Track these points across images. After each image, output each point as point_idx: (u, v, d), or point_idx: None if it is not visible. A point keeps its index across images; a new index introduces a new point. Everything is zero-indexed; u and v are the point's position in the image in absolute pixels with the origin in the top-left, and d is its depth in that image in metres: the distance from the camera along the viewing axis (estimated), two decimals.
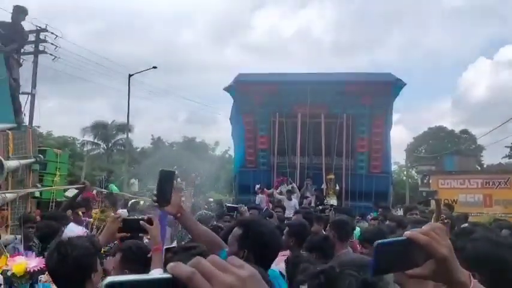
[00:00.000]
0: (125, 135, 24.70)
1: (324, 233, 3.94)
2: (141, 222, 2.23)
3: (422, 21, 70.03)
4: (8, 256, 3.11)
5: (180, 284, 0.53)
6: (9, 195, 5.43)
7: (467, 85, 63.76)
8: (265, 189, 12.26)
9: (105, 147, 28.88)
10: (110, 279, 0.54)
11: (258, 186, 12.22)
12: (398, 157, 35.90)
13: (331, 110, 13.24)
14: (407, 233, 0.88)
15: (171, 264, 0.55)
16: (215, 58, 64.69)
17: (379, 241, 0.86)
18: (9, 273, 2.86)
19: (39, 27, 12.72)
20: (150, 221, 2.24)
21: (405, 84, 13.23)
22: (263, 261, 1.83)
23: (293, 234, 3.36)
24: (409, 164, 36.13)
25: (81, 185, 4.71)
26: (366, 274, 1.11)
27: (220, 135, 50.68)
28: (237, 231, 1.94)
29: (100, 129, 27.57)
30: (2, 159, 5.31)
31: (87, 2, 55.49)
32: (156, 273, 2.01)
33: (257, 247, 1.83)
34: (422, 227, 0.89)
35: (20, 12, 6.39)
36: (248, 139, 14.08)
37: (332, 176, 12.53)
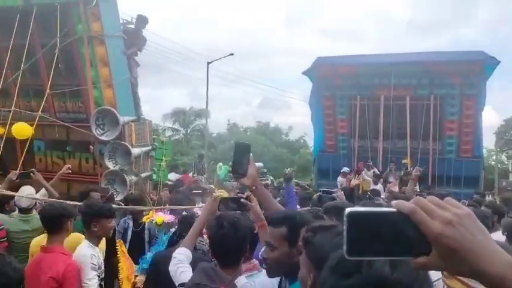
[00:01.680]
0: (202, 121, 26.44)
1: None
2: (242, 200, 2.34)
3: None
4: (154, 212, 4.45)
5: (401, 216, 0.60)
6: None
7: None
8: (349, 175, 12.46)
9: (184, 133, 31.02)
10: (350, 209, 0.63)
11: (346, 168, 12.17)
12: (487, 141, 33.40)
13: (417, 91, 12.93)
14: (394, 202, 0.67)
15: (395, 202, 0.64)
16: (288, 43, 65.36)
17: (351, 209, 0.66)
18: (153, 222, 4.26)
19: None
20: (249, 199, 2.33)
21: (499, 62, 12.42)
22: None
23: None
24: (499, 149, 33.67)
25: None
26: None
27: (294, 120, 51.21)
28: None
29: (179, 116, 29.62)
30: (130, 148, 6.35)
31: None
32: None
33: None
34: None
35: (142, 21, 7.38)
36: (328, 123, 14.21)
37: (406, 161, 12.15)
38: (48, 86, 6.27)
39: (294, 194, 5.25)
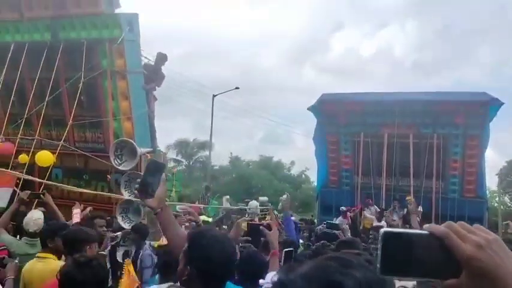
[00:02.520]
0: (205, 153, 27.07)
1: None
2: (261, 227, 2.71)
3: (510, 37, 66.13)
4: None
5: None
6: None
7: None
8: (348, 213, 12.81)
9: (187, 164, 31.57)
10: (386, 229, 0.69)
11: (343, 208, 12.55)
12: (489, 182, 33.81)
13: (421, 130, 13.29)
14: (426, 225, 0.73)
15: (427, 225, 0.69)
16: (294, 79, 68.14)
17: (387, 229, 0.73)
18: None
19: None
20: (269, 227, 2.73)
21: (503, 103, 12.78)
22: (209, 278, 1.72)
23: None
24: (502, 190, 34.16)
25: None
26: None
27: (297, 155, 52.56)
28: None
29: (182, 147, 30.23)
30: None
31: (171, 27, 61.42)
32: (270, 276, 2.24)
33: (200, 262, 1.69)
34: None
35: (162, 58, 7.93)
36: (331, 159, 14.58)
37: (411, 198, 12.60)
38: (71, 117, 6.82)
39: (292, 222, 5.33)
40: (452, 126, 13.22)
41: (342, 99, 14.48)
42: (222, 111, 42.08)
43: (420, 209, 12.50)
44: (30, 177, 6.58)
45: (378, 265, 0.71)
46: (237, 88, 20.83)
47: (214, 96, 20.28)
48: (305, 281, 0.70)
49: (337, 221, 11.38)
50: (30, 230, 4.14)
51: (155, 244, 4.95)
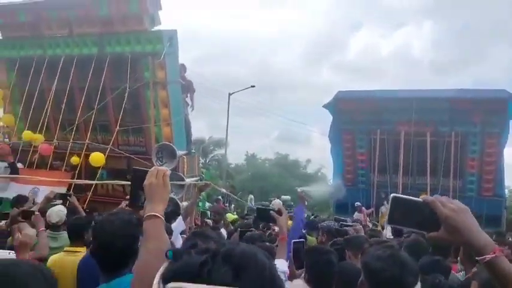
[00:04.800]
0: (221, 151, 29.31)
1: None
2: (271, 212, 2.92)
3: None
4: None
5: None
6: None
7: None
8: (363, 208, 14.65)
9: (203, 162, 33.66)
10: (394, 194, 1.25)
11: (358, 203, 14.04)
12: (508, 180, 35.59)
13: (438, 127, 14.44)
14: (422, 196, 1.27)
15: (422, 196, 1.27)
16: (311, 78, 72.17)
17: (395, 194, 1.28)
18: None
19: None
20: (279, 212, 2.94)
21: None
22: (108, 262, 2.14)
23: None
24: None
25: None
26: None
27: (313, 153, 55.41)
28: None
29: (198, 145, 32.21)
30: (184, 177, 8.78)
31: (188, 28, 64.40)
32: (279, 263, 2.70)
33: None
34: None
35: (181, 68, 9.70)
36: (347, 156, 16.02)
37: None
38: (118, 123, 8.82)
39: (303, 216, 5.74)
40: (471, 124, 14.48)
41: (358, 96, 15.78)
42: (238, 110, 44.97)
43: None
44: (81, 181, 8.51)
45: (387, 217, 1.29)
46: (252, 86, 22.89)
47: (230, 94, 22.38)
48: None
49: (354, 216, 12.63)
50: (52, 221, 4.52)
51: None
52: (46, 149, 8.78)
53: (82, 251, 3.65)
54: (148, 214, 1.67)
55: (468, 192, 14.80)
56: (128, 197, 6.24)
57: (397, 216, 1.28)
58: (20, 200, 5.80)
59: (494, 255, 1.18)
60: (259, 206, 4.04)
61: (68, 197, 5.68)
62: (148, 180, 1.75)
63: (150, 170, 1.80)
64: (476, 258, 1.22)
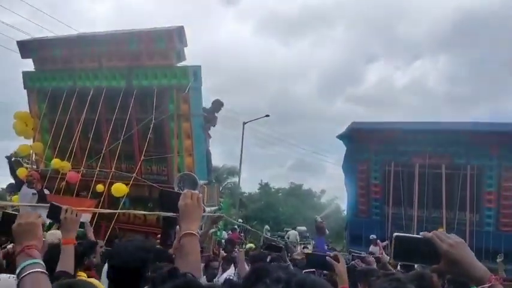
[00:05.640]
0: (234, 179, 30.30)
1: None
2: (327, 258, 2.88)
3: None
4: None
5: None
6: None
7: None
8: (378, 240, 15.11)
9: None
10: (397, 234, 1.45)
11: (374, 236, 14.15)
12: None
13: (454, 160, 14.71)
14: (422, 232, 1.42)
15: (422, 232, 1.43)
16: (326, 109, 75.62)
17: (397, 233, 1.47)
18: None
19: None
20: (336, 258, 2.87)
21: None
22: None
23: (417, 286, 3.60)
24: None
25: None
26: None
27: (327, 184, 56.81)
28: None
29: (214, 173, 32.93)
30: (205, 207, 9.51)
31: (207, 58, 67.08)
32: None
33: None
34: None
35: (219, 104, 10.69)
36: (361, 187, 16.29)
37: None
38: (143, 153, 9.66)
39: (324, 248, 5.78)
40: (487, 157, 14.71)
41: (372, 127, 16.32)
42: (253, 139, 46.47)
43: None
44: (106, 211, 9.16)
45: (392, 254, 1.49)
46: (267, 116, 24.21)
47: (244, 123, 23.64)
48: None
49: (370, 249, 12.99)
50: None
51: None
52: (73, 177, 9.60)
53: (83, 275, 3.71)
54: (185, 232, 1.90)
55: (486, 227, 14.87)
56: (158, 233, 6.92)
57: (401, 253, 1.49)
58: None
59: (490, 284, 1.36)
60: (310, 252, 3.98)
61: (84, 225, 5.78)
62: (184, 201, 1.98)
63: (183, 192, 2.05)
64: (476, 287, 1.40)
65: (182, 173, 9.46)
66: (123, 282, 2.40)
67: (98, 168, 9.66)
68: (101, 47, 9.77)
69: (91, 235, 5.81)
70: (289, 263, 6.01)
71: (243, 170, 25.93)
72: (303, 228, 16.39)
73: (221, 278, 5.78)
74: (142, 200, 9.87)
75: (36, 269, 1.69)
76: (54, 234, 4.86)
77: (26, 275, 1.67)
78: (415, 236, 1.50)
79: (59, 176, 9.79)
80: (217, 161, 36.90)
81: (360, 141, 16.04)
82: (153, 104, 9.41)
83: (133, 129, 9.59)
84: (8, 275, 2.70)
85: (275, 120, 71.31)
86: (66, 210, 2.76)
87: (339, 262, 2.86)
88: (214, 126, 10.52)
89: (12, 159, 9.92)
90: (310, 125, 71.34)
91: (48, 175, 9.84)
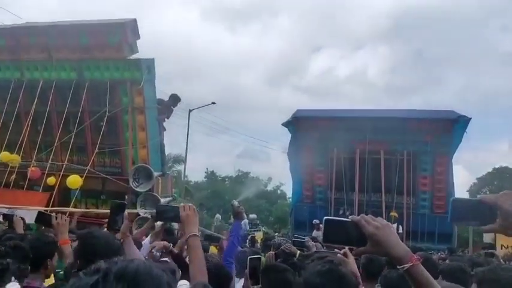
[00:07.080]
0: (180, 167, 30.82)
1: None
2: (338, 255, 3.15)
3: (478, 64, 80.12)
4: None
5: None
6: None
7: None
8: (321, 225, 16.41)
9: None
10: (326, 217, 1.65)
11: (316, 221, 15.16)
12: None
13: (391, 146, 16.09)
14: (350, 216, 1.59)
15: (350, 216, 1.61)
16: (271, 99, 78.09)
17: (327, 217, 1.65)
18: None
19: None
20: (345, 255, 3.14)
21: (470, 119, 15.36)
22: None
23: (364, 266, 3.96)
24: None
25: None
26: None
27: (273, 171, 59.53)
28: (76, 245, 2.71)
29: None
30: (159, 198, 10.37)
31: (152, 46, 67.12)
32: None
33: (89, 257, 2.44)
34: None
35: (176, 99, 11.32)
36: (305, 174, 17.59)
37: (395, 214, 15.23)
38: (97, 146, 10.31)
39: (239, 233, 5.87)
40: (422, 143, 16.14)
41: (316, 115, 17.53)
42: (200, 127, 47.37)
43: (400, 230, 14.40)
44: (99, 211, 9.66)
45: (322, 236, 1.65)
46: (213, 103, 24.93)
47: (190, 111, 24.18)
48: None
49: (313, 234, 13.76)
50: None
51: None
52: (35, 174, 10.13)
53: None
54: (190, 234, 2.65)
55: (421, 210, 16.28)
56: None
57: (331, 235, 1.62)
58: None
59: (411, 263, 1.51)
60: (319, 250, 4.37)
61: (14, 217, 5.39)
62: (184, 213, 2.68)
63: (181, 205, 2.77)
64: (398, 266, 1.55)
65: (137, 165, 10.17)
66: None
67: (49, 161, 10.15)
68: (49, 39, 10.17)
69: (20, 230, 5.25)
70: None
71: (188, 158, 26.69)
72: (253, 215, 17.44)
73: None
74: (95, 192, 10.52)
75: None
76: None
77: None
78: (343, 219, 1.64)
79: (8, 169, 10.21)
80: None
81: (304, 128, 17.08)
82: (106, 96, 9.96)
83: (86, 121, 10.14)
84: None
85: (222, 109, 74.46)
86: (56, 218, 3.58)
87: (348, 259, 3.12)
88: (168, 118, 11.31)
89: None
90: (257, 114, 74.49)
91: None
